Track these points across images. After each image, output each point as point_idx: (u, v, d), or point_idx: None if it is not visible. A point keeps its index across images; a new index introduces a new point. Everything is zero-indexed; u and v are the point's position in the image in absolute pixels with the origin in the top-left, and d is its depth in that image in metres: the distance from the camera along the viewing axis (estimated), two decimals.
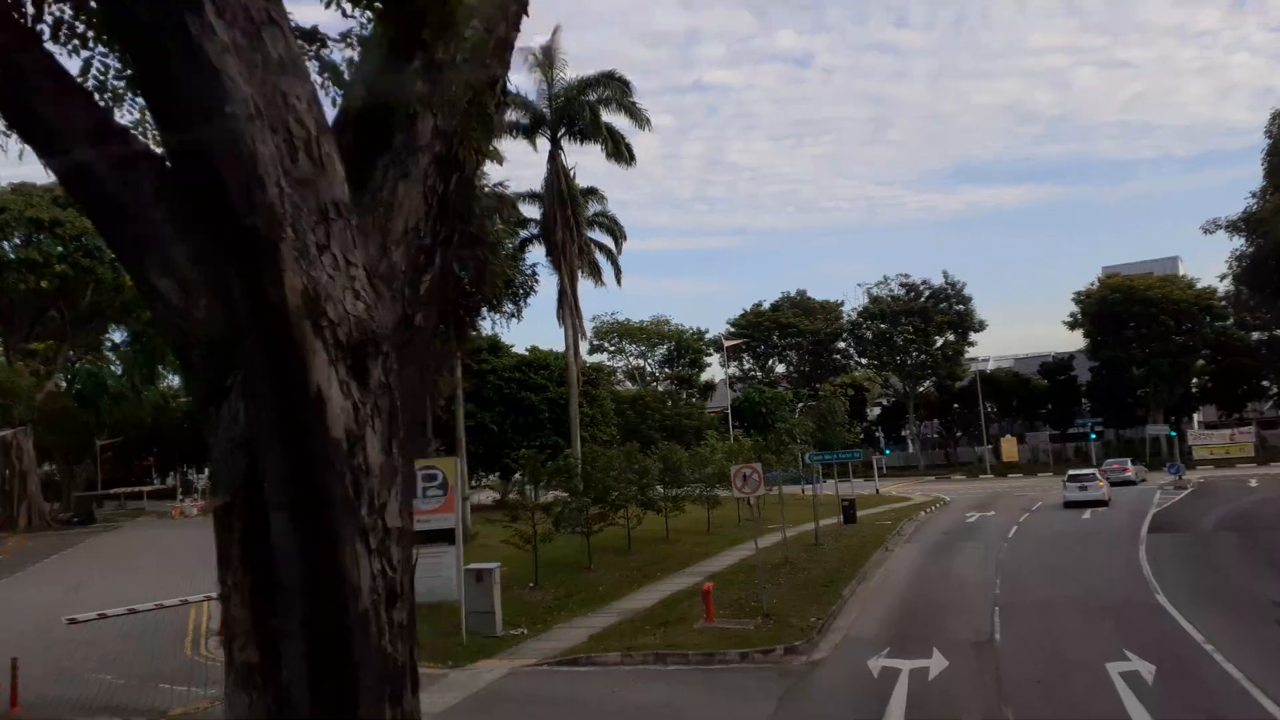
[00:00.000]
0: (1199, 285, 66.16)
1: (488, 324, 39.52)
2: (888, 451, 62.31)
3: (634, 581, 23.45)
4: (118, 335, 73.72)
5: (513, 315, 37.94)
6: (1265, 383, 70.38)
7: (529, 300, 34.01)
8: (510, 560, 24.33)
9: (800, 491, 58.51)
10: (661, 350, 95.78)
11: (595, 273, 42.74)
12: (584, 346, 48.99)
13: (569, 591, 22.15)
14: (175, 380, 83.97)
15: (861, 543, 29.84)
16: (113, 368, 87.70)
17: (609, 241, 41.76)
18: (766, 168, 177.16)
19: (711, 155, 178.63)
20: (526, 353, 54.95)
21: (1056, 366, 75.79)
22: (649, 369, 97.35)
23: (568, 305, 35.04)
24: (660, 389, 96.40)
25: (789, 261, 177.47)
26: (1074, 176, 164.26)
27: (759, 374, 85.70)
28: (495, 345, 53.34)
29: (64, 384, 71.26)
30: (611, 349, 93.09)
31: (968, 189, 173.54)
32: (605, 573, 24.83)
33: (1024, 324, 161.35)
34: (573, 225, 33.57)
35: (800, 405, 61.92)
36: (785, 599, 19.29)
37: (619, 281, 42.57)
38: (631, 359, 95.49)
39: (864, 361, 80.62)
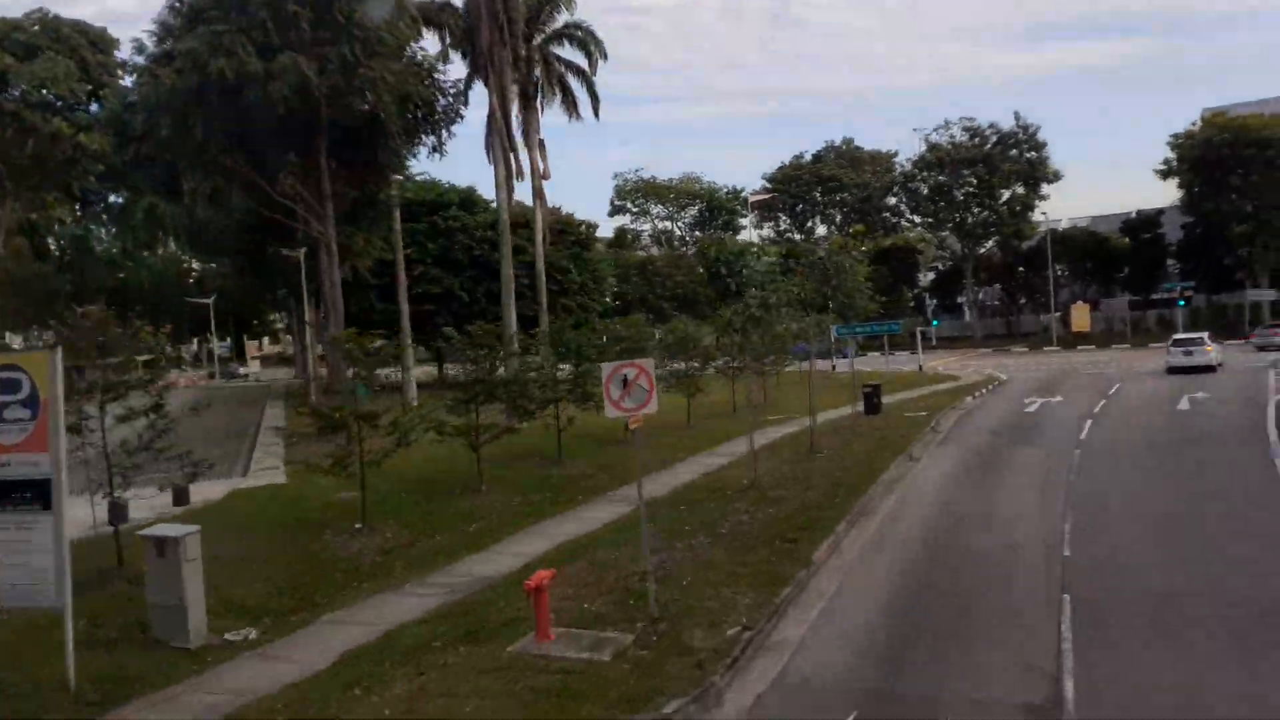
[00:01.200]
0: None
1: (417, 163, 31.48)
2: (935, 323, 53.70)
3: (522, 516, 16.19)
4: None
5: (434, 150, 29.80)
6: None
7: (452, 130, 25.89)
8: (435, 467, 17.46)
9: (832, 368, 50.71)
10: (692, 211, 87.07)
11: (568, 101, 34.20)
12: (551, 190, 40.84)
13: (415, 536, 14.98)
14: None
15: (878, 446, 22.12)
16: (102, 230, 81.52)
17: (581, 61, 33.00)
18: (834, 24, 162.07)
19: (776, 8, 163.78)
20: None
21: (1141, 223, 65.27)
22: (678, 232, 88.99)
23: (498, 133, 26.90)
24: (690, 253, 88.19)
25: (852, 129, 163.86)
26: (1167, 28, 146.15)
27: (796, 236, 76.47)
28: (469, 200, 45.42)
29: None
30: (635, 209, 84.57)
31: (1046, 46, 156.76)
32: (498, 497, 17.61)
33: (1104, 181, 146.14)
34: (504, 25, 24.96)
35: (793, 262, 52.05)
36: (707, 572, 11.81)
37: (596, 112, 34.16)
38: (658, 221, 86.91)
39: (917, 220, 70.80)
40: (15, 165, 55.10)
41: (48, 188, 53.75)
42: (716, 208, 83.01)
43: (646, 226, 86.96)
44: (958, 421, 27.79)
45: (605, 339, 22.61)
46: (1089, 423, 25.43)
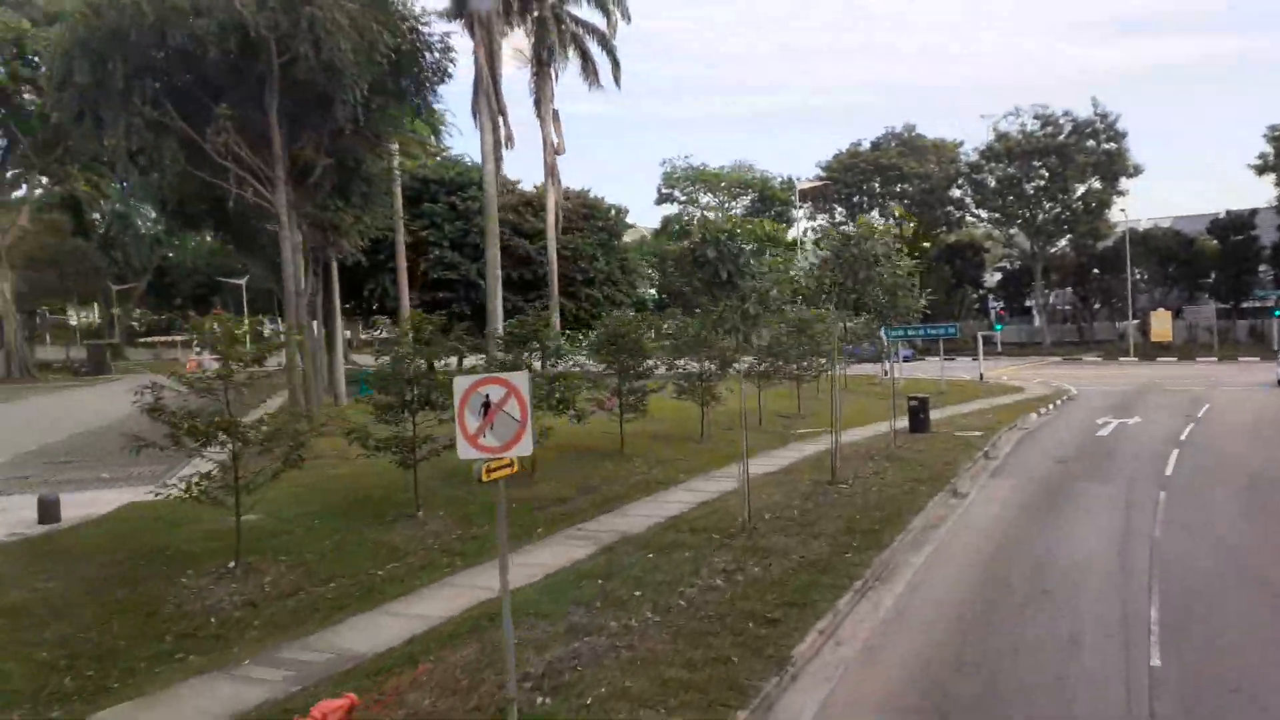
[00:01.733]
0: None
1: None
2: (998, 327, 49.21)
3: (454, 555, 12.94)
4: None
5: (419, 114, 26.48)
6: None
7: (437, 90, 22.72)
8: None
9: (884, 373, 46.55)
10: (745, 201, 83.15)
11: (587, 69, 30.83)
12: (588, 178, 37.53)
13: (302, 581, 11.78)
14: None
15: (916, 476, 18.39)
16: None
17: (600, 22, 29.60)
18: (906, 15, 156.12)
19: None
20: (533, 189, 43.64)
21: (1232, 224, 59.59)
22: (718, 216, 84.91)
23: (484, 94, 23.64)
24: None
25: (922, 123, 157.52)
26: (1252, 26, 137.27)
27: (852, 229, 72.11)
28: None
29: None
30: (683, 198, 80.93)
31: (1128, 41, 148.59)
32: (435, 526, 14.35)
33: (1189, 180, 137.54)
34: None
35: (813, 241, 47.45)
36: (630, 676, 8.31)
37: (617, 79, 30.81)
38: (708, 212, 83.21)
39: (983, 215, 65.94)
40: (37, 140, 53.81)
41: (73, 159, 52.21)
42: (769, 198, 79.02)
43: (695, 215, 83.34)
44: (1018, 445, 23.80)
45: (594, 335, 19.25)
46: (1175, 453, 21.33)
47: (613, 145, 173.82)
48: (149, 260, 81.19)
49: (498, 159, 23.28)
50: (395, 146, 28.21)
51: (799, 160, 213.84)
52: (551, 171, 29.31)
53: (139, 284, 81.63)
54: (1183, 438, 23.82)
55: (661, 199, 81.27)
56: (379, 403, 14.44)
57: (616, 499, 16.50)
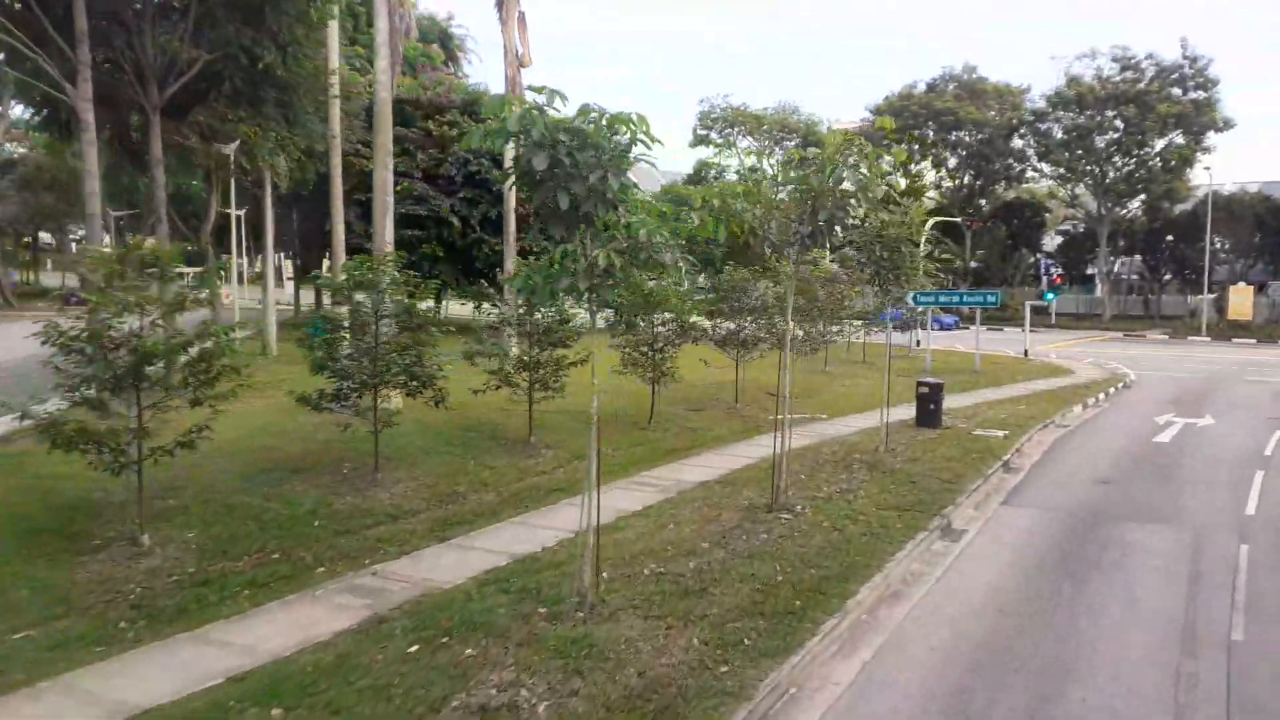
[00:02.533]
0: None
1: None
2: (1049, 295, 43.19)
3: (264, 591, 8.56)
4: None
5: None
6: None
7: None
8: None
9: (916, 343, 41.14)
10: (790, 146, 76.95)
11: None
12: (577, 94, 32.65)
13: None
14: None
15: (900, 502, 13.43)
16: None
17: None
18: None
19: None
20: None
21: None
22: (770, 170, 78.88)
23: None
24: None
25: (985, 64, 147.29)
26: None
27: (901, 180, 65.72)
28: (472, 103, 37.44)
29: None
30: (719, 142, 75.07)
31: None
32: (307, 536, 10.00)
33: None
34: None
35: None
36: None
37: None
38: (746, 157, 77.25)
39: (1046, 169, 59.24)
40: None
41: None
42: (815, 143, 72.80)
43: (733, 161, 77.44)
44: (1051, 451, 18.66)
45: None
46: (1260, 477, 16.13)
47: (641, 78, 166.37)
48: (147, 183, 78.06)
49: (394, 49, 18.40)
50: (333, 53, 23.50)
51: (849, 105, 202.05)
52: (513, 86, 24.34)
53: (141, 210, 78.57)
54: (1269, 452, 18.48)
55: (697, 141, 75.54)
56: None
57: (451, 524, 11.87)
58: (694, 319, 21.12)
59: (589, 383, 9.68)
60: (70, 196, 67.34)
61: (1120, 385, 29.44)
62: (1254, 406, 25.19)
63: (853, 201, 12.43)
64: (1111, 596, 10.10)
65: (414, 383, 13.13)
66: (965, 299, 32.40)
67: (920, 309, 32.70)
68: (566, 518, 11.81)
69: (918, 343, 42.72)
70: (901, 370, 32.20)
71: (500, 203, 35.88)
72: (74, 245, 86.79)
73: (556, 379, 16.00)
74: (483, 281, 30.25)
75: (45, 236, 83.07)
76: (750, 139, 75.95)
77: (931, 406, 20.05)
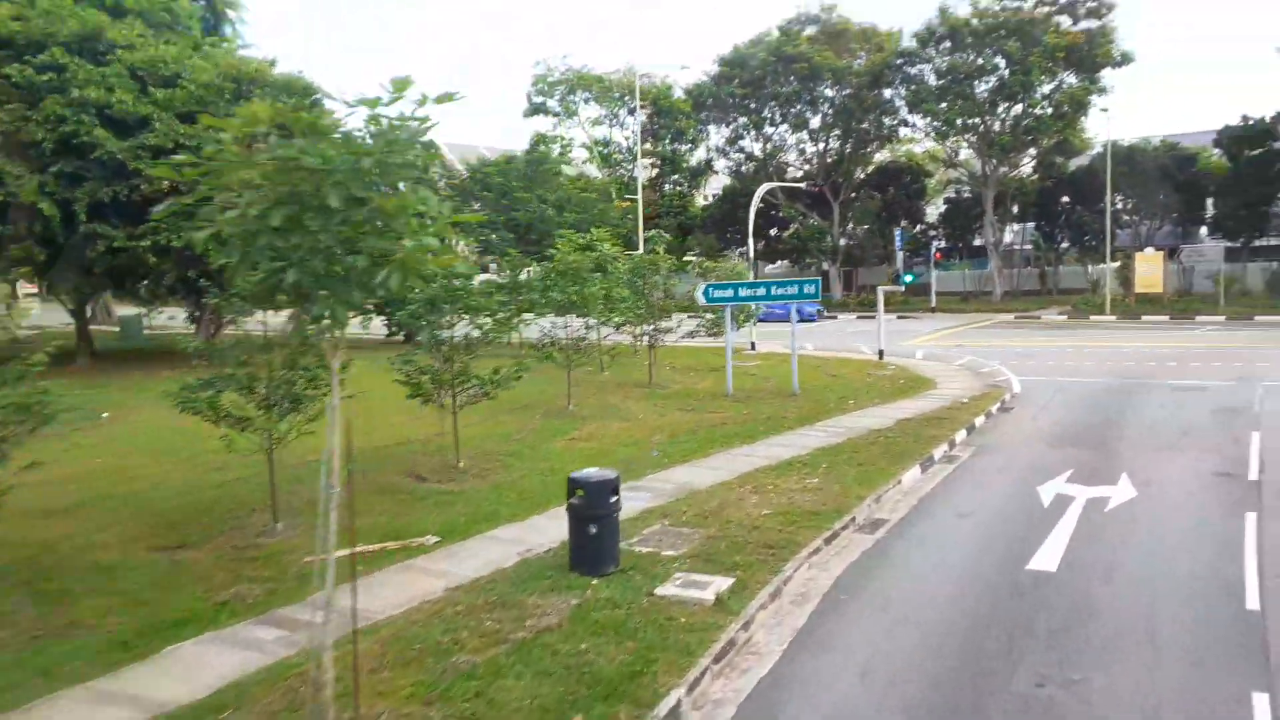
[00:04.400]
0: None
1: None
2: (908, 278, 33.50)
3: None
4: None
5: None
6: None
7: None
8: None
9: (746, 348, 31.26)
10: (642, 116, 66.72)
11: None
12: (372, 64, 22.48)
13: None
14: None
15: None
16: None
17: None
18: None
19: None
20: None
21: (1247, 135, 44.23)
22: (623, 141, 68.91)
23: None
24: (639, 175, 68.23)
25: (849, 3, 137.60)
26: None
27: (754, 149, 56.03)
28: (92, 37, 25.99)
29: None
30: (559, 111, 64.34)
31: None
32: None
33: (1195, 87, 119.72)
34: None
35: None
36: None
37: None
38: (591, 127, 66.79)
39: (920, 123, 50.08)
40: None
41: None
42: (669, 110, 62.63)
43: (577, 133, 66.92)
44: (802, 640, 8.39)
45: None
46: (1265, 700, 6.13)
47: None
48: None
49: None
50: None
51: (701, 57, 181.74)
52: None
53: None
54: (1252, 597, 8.73)
55: (533, 110, 64.62)
56: None
57: None
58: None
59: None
60: None
61: (995, 408, 19.81)
62: (1194, 447, 15.65)
63: None
64: None
65: None
66: (774, 291, 22.40)
67: (716, 307, 22.72)
68: None
69: (752, 344, 33.02)
70: (688, 396, 22.28)
71: (118, 178, 24.62)
72: None
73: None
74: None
75: None
76: (596, 105, 65.43)
77: (593, 529, 9.66)
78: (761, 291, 22.37)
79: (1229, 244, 45.89)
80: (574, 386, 21.79)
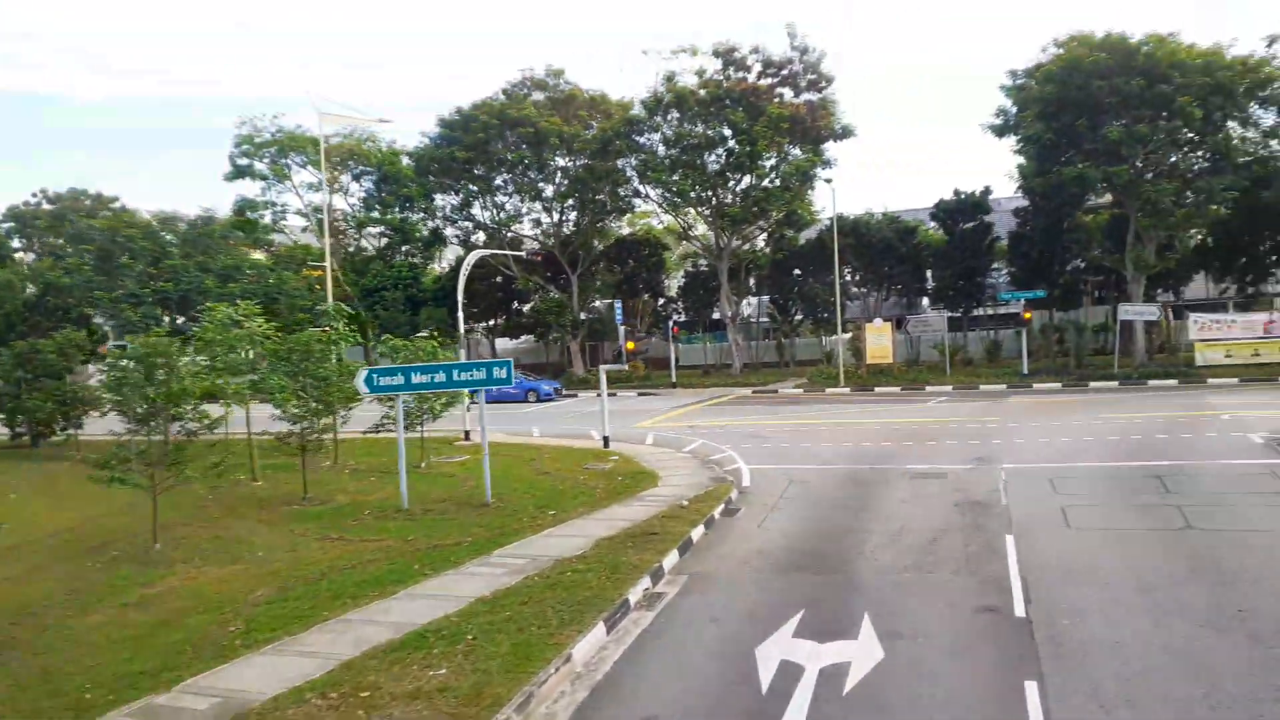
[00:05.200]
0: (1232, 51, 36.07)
1: None
2: (619, 361, 30.55)
3: None
4: None
5: None
6: None
7: None
8: None
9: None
10: (369, 183, 61.32)
11: None
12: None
13: None
14: None
15: None
16: None
17: None
18: None
19: None
20: None
21: (960, 207, 45.73)
22: (346, 209, 63.09)
23: None
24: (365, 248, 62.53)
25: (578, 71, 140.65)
26: None
27: (484, 217, 52.26)
28: None
29: None
30: (268, 175, 57.65)
31: None
32: None
33: (917, 168, 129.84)
34: None
35: None
36: None
37: None
38: (308, 194, 60.50)
39: (652, 193, 48.32)
40: None
41: None
42: (396, 177, 57.61)
43: (289, 199, 60.38)
44: None
45: None
46: None
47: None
48: None
49: None
50: None
51: (421, 119, 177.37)
52: None
53: None
54: None
55: (237, 173, 57.38)
56: None
57: None
58: None
59: None
60: None
61: (719, 511, 16.38)
62: (946, 564, 12.71)
63: None
64: None
65: None
66: (457, 376, 17.99)
67: (374, 396, 18.12)
68: None
69: (466, 434, 28.49)
70: (348, 514, 17.42)
71: None
72: None
73: None
74: None
75: None
76: (311, 170, 59.21)
77: None
78: (441, 377, 17.89)
79: (950, 314, 46.91)
80: (199, 507, 16.31)
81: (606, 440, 25.03)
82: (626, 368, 39.54)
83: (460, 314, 29.09)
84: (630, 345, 36.71)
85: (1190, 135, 35.94)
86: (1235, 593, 10.64)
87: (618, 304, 43.72)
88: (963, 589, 11.33)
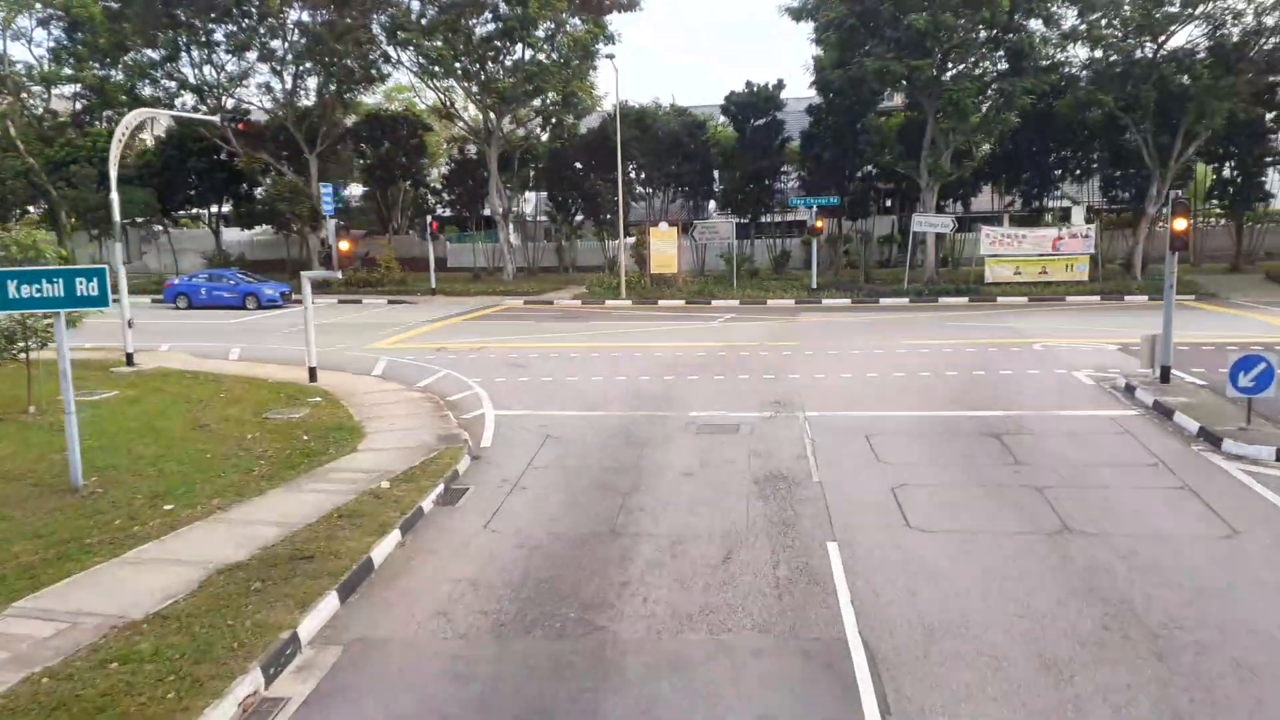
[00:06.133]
0: None
1: None
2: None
3: None
4: None
5: None
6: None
7: None
8: None
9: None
10: (59, 30, 49.28)
11: None
12: None
13: None
14: None
15: None
16: None
17: None
18: None
19: None
20: None
21: (752, 102, 41.65)
22: (30, 59, 51.07)
23: None
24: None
25: None
26: None
27: (194, 83, 42.83)
28: None
29: None
30: None
31: None
32: None
33: (703, 48, 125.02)
34: None
35: None
36: None
37: None
38: None
39: (406, 59, 40.94)
40: None
41: None
42: (87, 24, 46.12)
43: None
44: None
45: None
46: None
47: None
48: None
49: None
50: None
51: None
52: None
53: None
54: None
55: None
56: None
57: None
58: None
59: None
60: None
61: (434, 497, 11.36)
62: (750, 602, 8.40)
63: None
64: None
65: None
66: (14, 291, 11.75)
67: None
68: None
69: (128, 357, 21.59)
70: None
71: None
72: None
73: None
74: None
75: None
76: None
77: None
78: None
79: (739, 220, 43.34)
80: None
81: (313, 372, 19.14)
82: (340, 275, 33.04)
83: (115, 196, 21.52)
84: (348, 246, 30.10)
85: (995, 31, 33.27)
86: (1179, 674, 6.83)
87: (326, 186, 36.86)
88: (780, 675, 6.92)
